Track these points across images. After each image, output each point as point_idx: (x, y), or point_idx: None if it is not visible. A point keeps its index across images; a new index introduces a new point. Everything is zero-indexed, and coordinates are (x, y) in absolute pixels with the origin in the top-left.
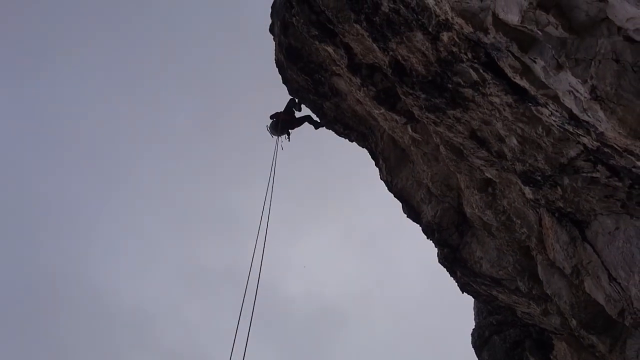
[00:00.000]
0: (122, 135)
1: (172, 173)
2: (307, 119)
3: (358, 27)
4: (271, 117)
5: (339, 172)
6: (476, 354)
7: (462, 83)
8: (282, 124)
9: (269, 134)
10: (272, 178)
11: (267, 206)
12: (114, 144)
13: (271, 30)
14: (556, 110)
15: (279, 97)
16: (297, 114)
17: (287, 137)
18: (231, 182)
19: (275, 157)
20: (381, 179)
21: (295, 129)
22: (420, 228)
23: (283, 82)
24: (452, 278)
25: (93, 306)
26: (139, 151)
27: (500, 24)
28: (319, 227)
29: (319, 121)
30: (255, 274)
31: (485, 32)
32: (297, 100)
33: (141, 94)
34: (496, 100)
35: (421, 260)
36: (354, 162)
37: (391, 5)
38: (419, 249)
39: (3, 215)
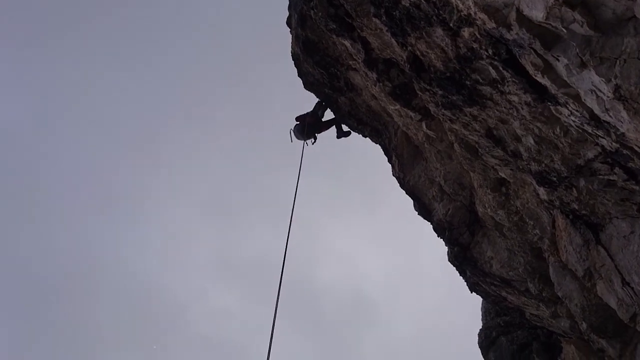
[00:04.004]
0: (156, 121)
1: (206, 160)
2: (336, 124)
3: (377, 21)
4: (297, 119)
5: (381, 161)
6: (482, 354)
7: (481, 80)
8: (309, 127)
9: (292, 137)
10: (298, 183)
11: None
12: (149, 129)
13: (288, 23)
14: (576, 110)
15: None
16: (324, 118)
17: (313, 141)
18: (265, 169)
19: (301, 161)
20: (393, 175)
21: (323, 132)
22: (432, 226)
23: (298, 75)
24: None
25: (127, 291)
26: (172, 139)
27: (524, 20)
28: (356, 218)
29: (344, 130)
30: (288, 264)
31: (509, 28)
32: (323, 103)
33: (180, 85)
34: (514, 98)
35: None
36: None
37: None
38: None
39: (44, 205)
